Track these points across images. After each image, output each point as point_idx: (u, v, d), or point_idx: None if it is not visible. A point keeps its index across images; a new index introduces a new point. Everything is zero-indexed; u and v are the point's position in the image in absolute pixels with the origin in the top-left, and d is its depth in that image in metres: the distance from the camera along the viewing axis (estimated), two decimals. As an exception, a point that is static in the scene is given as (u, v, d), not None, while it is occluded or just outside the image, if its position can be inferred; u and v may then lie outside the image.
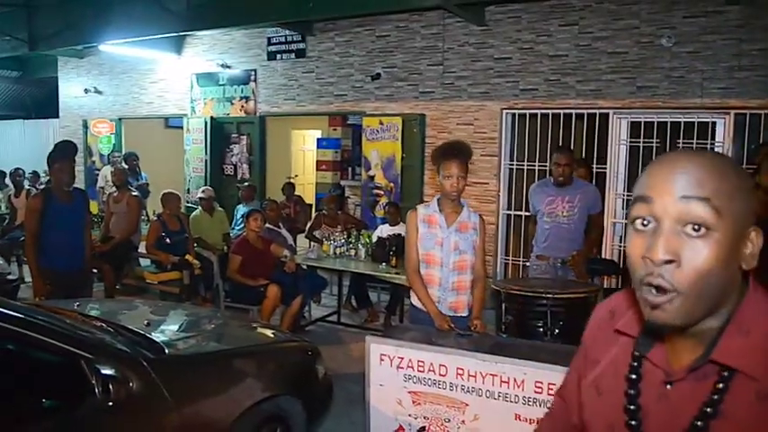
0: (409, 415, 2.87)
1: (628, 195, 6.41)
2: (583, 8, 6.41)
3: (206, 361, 2.98)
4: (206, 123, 9.10)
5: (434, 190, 6.54)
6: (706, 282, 0.85)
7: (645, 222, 0.88)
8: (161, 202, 6.49)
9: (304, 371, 3.45)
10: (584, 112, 6.49)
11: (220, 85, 8.97)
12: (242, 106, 8.80)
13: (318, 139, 11.11)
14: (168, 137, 10.61)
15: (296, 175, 11.49)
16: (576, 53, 6.46)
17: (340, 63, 7.89)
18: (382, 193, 7.55)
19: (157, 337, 3.02)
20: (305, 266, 6.20)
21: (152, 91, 9.81)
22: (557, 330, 3.41)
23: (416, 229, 3.34)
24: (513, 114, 6.90)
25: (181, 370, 2.80)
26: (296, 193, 8.61)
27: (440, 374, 2.76)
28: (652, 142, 6.22)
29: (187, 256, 6.19)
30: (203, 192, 7.33)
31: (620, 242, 6.53)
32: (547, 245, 4.59)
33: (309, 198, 10.68)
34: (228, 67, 8.81)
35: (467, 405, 2.72)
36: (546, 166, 5.80)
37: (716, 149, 5.91)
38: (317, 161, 10.96)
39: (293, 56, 8.21)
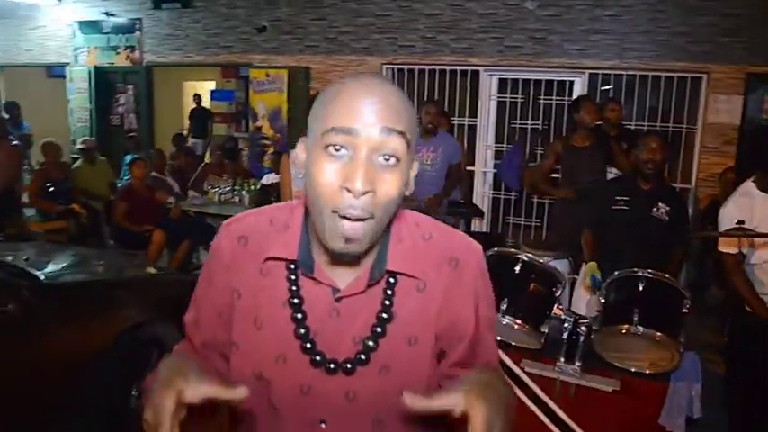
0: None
1: (497, 146, 7.04)
2: (454, -30, 6.83)
3: (83, 288, 3.22)
4: (89, 73, 8.93)
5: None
6: (392, 208, 0.92)
7: (337, 148, 0.87)
8: (42, 152, 6.45)
9: (181, 299, 3.73)
10: (458, 68, 6.99)
11: (104, 33, 8.82)
12: (127, 56, 8.71)
13: (212, 92, 11.06)
14: (51, 87, 10.23)
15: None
16: (450, 12, 6.91)
17: (226, 14, 7.97)
18: (269, 143, 7.79)
19: (36, 270, 3.23)
20: (192, 213, 6.41)
21: (32, 38, 9.47)
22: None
23: (289, 171, 3.64)
24: (393, 69, 7.31)
25: (57, 296, 3.03)
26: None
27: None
28: (517, 98, 6.87)
29: (73, 205, 6.23)
30: (83, 143, 7.24)
31: (491, 189, 7.17)
32: (414, 189, 5.05)
33: (204, 151, 10.67)
34: (112, 15, 8.66)
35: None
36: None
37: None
38: (212, 113, 10.95)
39: (179, 5, 8.19)
